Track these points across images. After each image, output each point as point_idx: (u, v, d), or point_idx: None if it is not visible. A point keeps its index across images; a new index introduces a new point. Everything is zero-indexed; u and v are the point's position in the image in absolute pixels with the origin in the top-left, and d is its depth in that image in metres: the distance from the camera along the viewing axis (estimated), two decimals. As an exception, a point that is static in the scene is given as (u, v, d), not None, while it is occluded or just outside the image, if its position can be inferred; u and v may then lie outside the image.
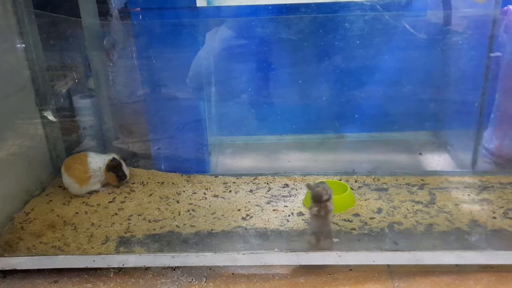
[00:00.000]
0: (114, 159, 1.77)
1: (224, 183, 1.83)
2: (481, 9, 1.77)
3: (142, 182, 1.85)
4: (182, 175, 1.90)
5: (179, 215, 1.61)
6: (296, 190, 1.76)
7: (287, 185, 1.80)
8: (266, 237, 1.47)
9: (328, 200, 1.32)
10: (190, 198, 1.73)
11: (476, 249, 1.36)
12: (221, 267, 1.40)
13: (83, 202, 1.71)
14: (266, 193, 1.74)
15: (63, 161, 1.79)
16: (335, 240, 1.39)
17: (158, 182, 1.85)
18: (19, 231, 1.53)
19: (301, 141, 2.17)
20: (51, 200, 1.73)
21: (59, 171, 1.81)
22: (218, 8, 1.74)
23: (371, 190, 1.73)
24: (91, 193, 1.76)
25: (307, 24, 1.84)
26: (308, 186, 1.37)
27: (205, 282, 1.35)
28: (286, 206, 1.64)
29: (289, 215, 1.59)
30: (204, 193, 1.76)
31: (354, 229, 1.49)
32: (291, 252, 1.34)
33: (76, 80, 2.03)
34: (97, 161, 1.76)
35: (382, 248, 1.39)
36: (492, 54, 1.77)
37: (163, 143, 1.91)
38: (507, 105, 1.83)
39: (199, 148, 1.90)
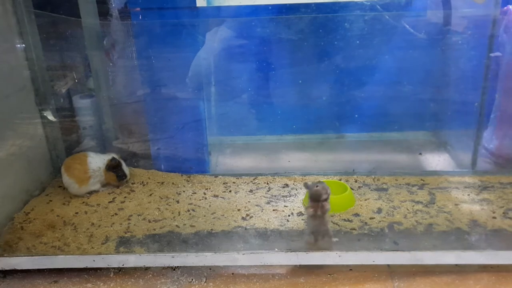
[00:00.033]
0: (113, 158, 1.77)
1: (224, 183, 1.83)
2: (481, 9, 1.77)
3: (142, 182, 1.85)
4: (182, 175, 1.90)
5: (179, 215, 1.61)
6: (296, 190, 1.76)
7: (287, 185, 1.80)
8: (266, 237, 1.47)
9: (326, 199, 1.32)
10: (190, 198, 1.72)
11: (476, 249, 1.36)
12: (221, 267, 1.40)
13: (83, 202, 1.71)
14: (266, 193, 1.74)
15: (63, 161, 1.79)
16: (334, 239, 1.39)
17: (158, 182, 1.85)
18: (19, 231, 1.53)
19: (301, 141, 2.17)
20: (51, 200, 1.73)
21: (59, 171, 1.81)
22: (218, 8, 1.74)
23: (371, 190, 1.73)
24: (91, 193, 1.76)
25: (307, 24, 1.84)
26: (306, 185, 1.36)
27: (205, 282, 1.35)
28: (286, 206, 1.64)
29: (289, 215, 1.59)
30: (204, 193, 1.76)
31: (354, 229, 1.49)
32: (291, 252, 1.34)
33: (76, 80, 2.03)
34: (97, 161, 1.76)
35: (382, 248, 1.38)
36: (492, 54, 1.77)
37: (163, 143, 1.91)
38: (507, 105, 1.83)
39: (199, 148, 1.90)
